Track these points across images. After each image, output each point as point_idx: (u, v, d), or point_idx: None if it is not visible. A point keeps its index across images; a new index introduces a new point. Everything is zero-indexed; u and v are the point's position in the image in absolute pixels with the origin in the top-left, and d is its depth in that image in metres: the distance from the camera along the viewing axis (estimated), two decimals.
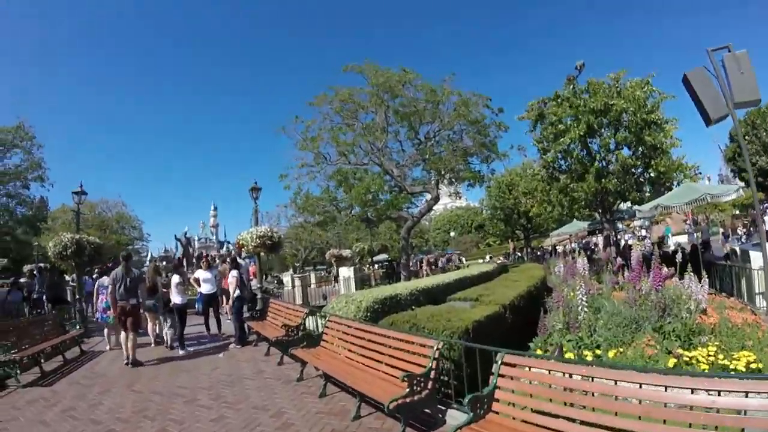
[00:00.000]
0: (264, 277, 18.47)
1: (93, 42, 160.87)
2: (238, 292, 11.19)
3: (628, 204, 19.44)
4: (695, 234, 29.47)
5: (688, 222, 39.62)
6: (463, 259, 46.75)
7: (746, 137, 42.03)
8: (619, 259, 12.11)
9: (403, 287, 9.96)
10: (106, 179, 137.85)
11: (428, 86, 19.63)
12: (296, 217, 34.81)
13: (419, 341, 5.57)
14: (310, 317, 9.35)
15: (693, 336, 6.31)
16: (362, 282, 23.52)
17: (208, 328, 12.67)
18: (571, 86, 17.24)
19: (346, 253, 31.19)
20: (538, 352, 6.59)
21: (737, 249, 14.16)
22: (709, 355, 5.64)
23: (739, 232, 34.53)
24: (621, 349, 6.27)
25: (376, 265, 35.52)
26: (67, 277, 21.30)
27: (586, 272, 9.69)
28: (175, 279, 11.15)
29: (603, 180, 16.01)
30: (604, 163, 16.78)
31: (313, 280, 28.72)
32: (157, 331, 11.72)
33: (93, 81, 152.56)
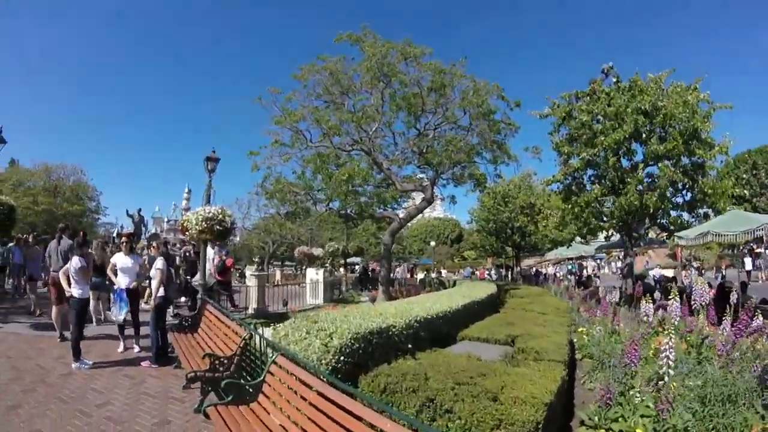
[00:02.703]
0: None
1: None
2: (162, 290, 8.03)
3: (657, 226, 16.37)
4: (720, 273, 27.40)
5: (687, 259, 37.21)
6: (443, 271, 43.66)
7: (744, 176, 40.83)
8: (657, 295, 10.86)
9: (395, 315, 6.51)
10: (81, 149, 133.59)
11: (437, 65, 16.38)
12: (268, 207, 31.29)
13: None
14: (256, 338, 5.91)
15: None
16: (332, 287, 20.28)
17: (121, 333, 8.93)
18: (615, 80, 14.25)
19: (318, 251, 28.00)
20: None
21: None
22: None
23: (723, 271, 32.58)
24: None
25: (348, 268, 32.17)
26: None
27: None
28: (75, 262, 7.65)
29: (645, 195, 12.98)
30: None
31: (277, 278, 25.41)
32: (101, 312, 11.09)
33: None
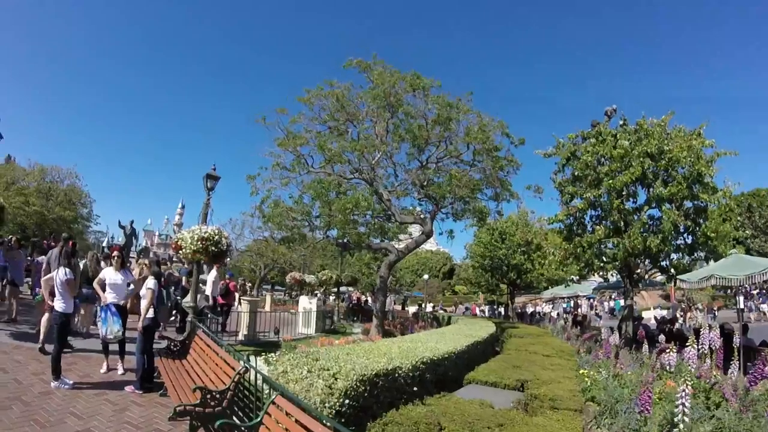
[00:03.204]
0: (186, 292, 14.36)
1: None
2: (151, 311, 7.62)
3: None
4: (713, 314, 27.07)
5: (680, 300, 36.99)
6: (438, 307, 43.13)
7: (739, 218, 41.34)
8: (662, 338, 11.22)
9: (400, 355, 6.17)
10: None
11: (443, 99, 16.33)
12: (262, 230, 30.92)
13: None
14: (252, 373, 5.51)
15: None
16: (324, 317, 19.79)
17: (105, 351, 8.45)
18: (622, 122, 14.23)
19: (310, 278, 27.55)
20: None
21: None
22: None
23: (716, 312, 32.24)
24: None
25: (340, 297, 31.68)
26: None
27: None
28: (62, 273, 7.30)
29: (649, 237, 12.81)
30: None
31: (267, 304, 24.84)
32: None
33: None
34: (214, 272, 15.65)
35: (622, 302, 40.62)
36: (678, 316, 26.92)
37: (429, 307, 34.58)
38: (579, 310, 35.37)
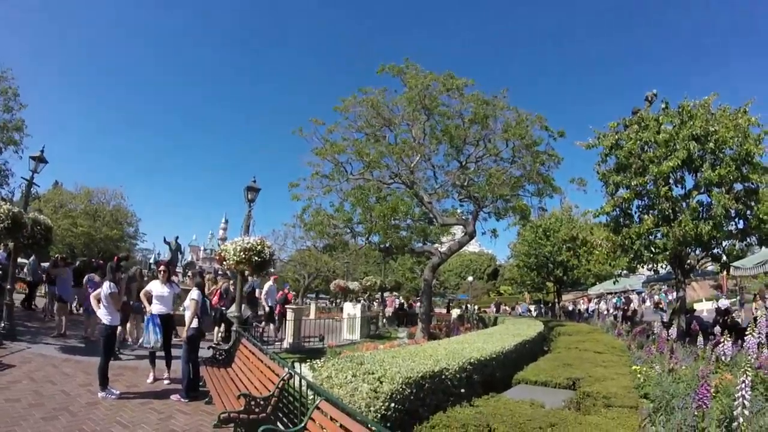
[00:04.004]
0: (256, 303, 14.67)
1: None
2: (196, 321, 7.70)
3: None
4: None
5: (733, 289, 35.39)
6: (486, 310, 42.40)
7: None
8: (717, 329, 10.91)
9: (446, 357, 6.06)
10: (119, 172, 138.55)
11: (479, 96, 16.12)
12: (304, 240, 31.19)
13: None
14: (296, 379, 5.49)
15: None
16: (368, 323, 19.82)
17: (152, 362, 8.61)
18: (664, 106, 13.72)
19: (354, 285, 27.54)
20: None
21: None
22: None
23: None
24: None
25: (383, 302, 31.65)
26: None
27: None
28: (106, 288, 7.48)
29: (700, 224, 12.24)
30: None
31: (312, 312, 25.04)
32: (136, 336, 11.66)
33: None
34: (270, 283, 16.03)
35: (667, 296, 39.55)
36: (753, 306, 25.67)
37: (478, 308, 33.85)
38: (631, 305, 34.30)
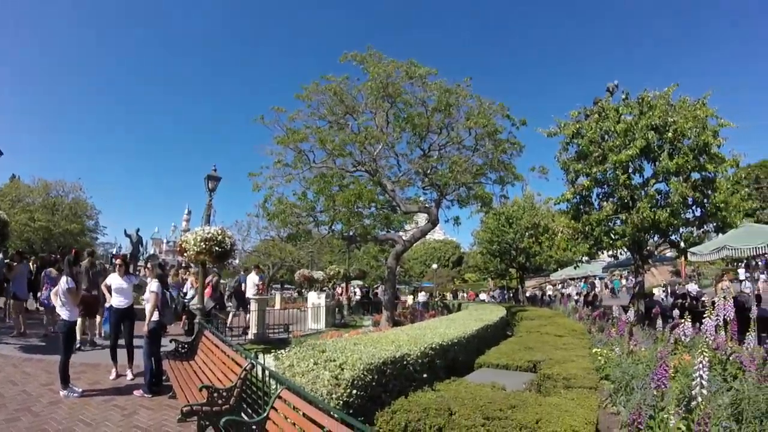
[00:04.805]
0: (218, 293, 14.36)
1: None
2: (156, 314, 7.55)
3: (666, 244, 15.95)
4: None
5: (690, 275, 36.70)
6: (449, 295, 42.83)
7: (747, 189, 40.82)
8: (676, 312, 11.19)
9: (408, 342, 6.06)
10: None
11: (442, 85, 16.10)
12: (268, 230, 30.78)
13: None
14: (258, 368, 5.40)
15: None
16: (333, 312, 19.83)
17: (113, 357, 8.33)
18: (624, 96, 14.01)
19: (318, 275, 27.40)
20: None
21: None
22: None
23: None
24: None
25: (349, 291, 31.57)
26: None
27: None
28: (64, 283, 7.21)
29: (657, 211, 12.58)
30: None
31: (277, 303, 24.87)
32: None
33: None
34: (254, 275, 16.01)
35: (620, 281, 40.72)
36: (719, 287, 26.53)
37: (421, 297, 33.73)
38: (594, 291, 35.14)
